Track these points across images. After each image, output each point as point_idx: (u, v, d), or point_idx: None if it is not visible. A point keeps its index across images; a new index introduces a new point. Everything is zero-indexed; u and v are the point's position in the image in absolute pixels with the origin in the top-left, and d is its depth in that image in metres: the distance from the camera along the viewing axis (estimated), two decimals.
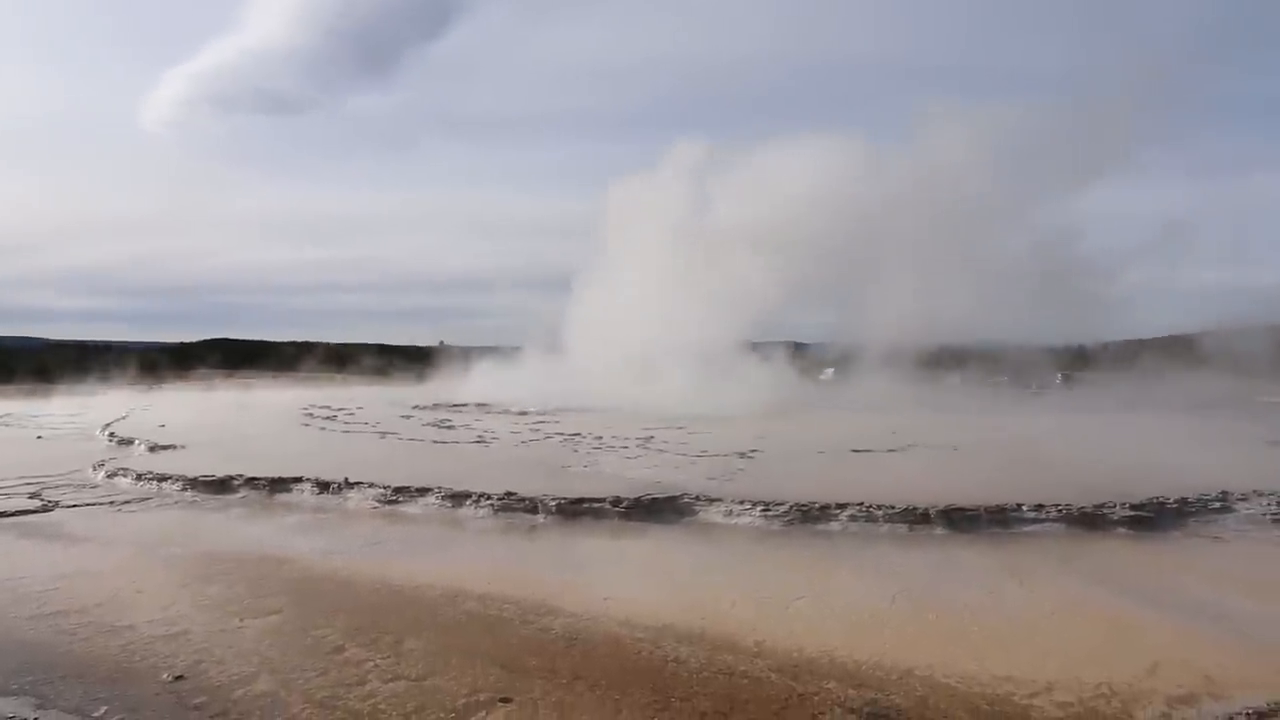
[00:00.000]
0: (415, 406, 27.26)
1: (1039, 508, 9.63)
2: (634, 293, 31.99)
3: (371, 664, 5.69)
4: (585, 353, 31.80)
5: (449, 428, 20.06)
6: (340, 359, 55.89)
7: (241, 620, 6.56)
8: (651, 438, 17.24)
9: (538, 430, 19.14)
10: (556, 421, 21.49)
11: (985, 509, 9.60)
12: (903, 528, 9.40)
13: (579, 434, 17.98)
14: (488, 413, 25.39)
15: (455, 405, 27.93)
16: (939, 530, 9.33)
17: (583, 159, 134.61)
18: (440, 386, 41.28)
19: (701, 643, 6.07)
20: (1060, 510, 9.57)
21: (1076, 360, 42.69)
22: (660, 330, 29.79)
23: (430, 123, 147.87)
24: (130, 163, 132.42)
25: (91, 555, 8.65)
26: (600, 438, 17.18)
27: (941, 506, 9.60)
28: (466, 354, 46.97)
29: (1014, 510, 9.63)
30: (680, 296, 30.75)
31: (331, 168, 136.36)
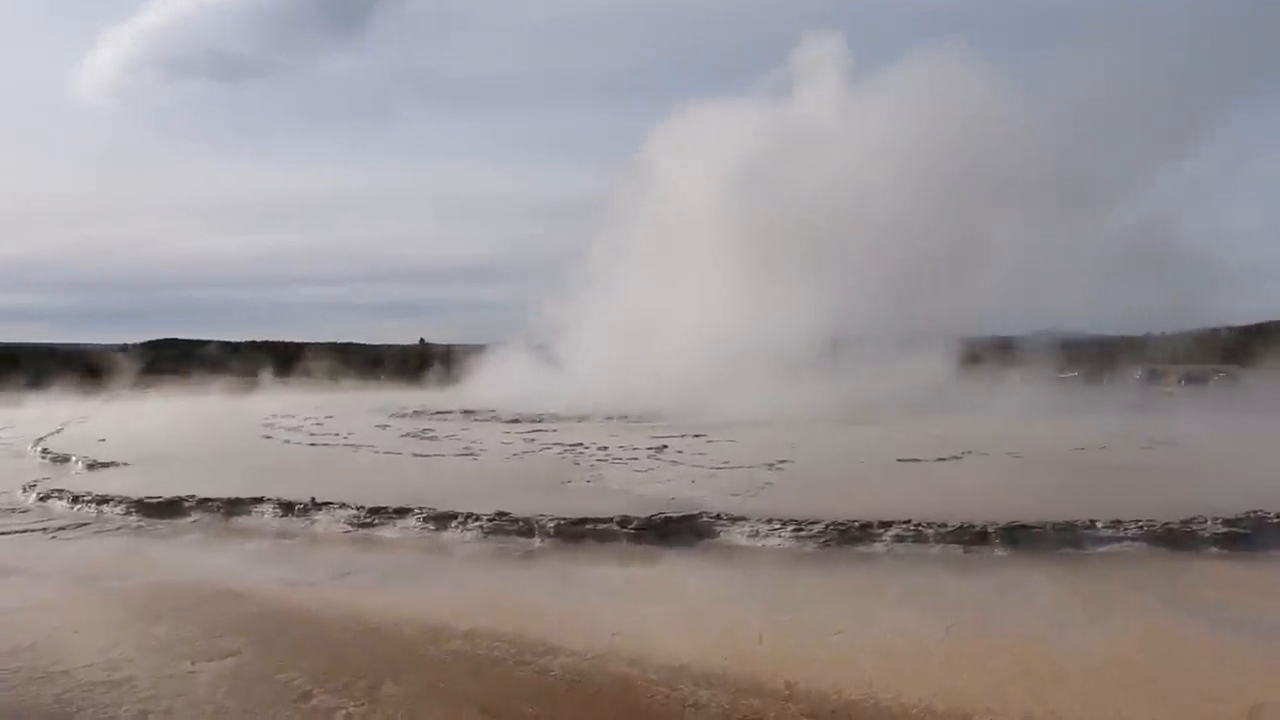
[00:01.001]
0: (392, 414, 27.40)
1: (1115, 524, 9.56)
2: (694, 267, 30.62)
3: (343, 713, 5.68)
4: (618, 350, 30.98)
5: (431, 438, 20.13)
6: (308, 361, 56.11)
7: (193, 664, 6.57)
8: (664, 447, 17.25)
9: (533, 440, 19.17)
10: (554, 430, 21.52)
11: (1053, 526, 9.54)
12: (957, 549, 9.35)
13: (580, 444, 17.99)
14: (475, 420, 25.49)
15: (438, 413, 28.07)
16: (999, 551, 9.28)
17: (585, 127, 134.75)
18: (422, 391, 41.42)
19: (724, 685, 6.04)
20: (1141, 527, 9.50)
21: (1175, 352, 42.13)
22: (734, 323, 28.88)
23: (409, 88, 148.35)
24: (64, 138, 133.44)
25: (22, 590, 8.68)
26: (605, 448, 17.19)
27: (1002, 524, 9.54)
28: (452, 354, 47.16)
29: (1086, 527, 9.56)
30: (761, 278, 29.53)
31: (297, 141, 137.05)
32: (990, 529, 9.48)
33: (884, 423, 22.28)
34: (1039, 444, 16.96)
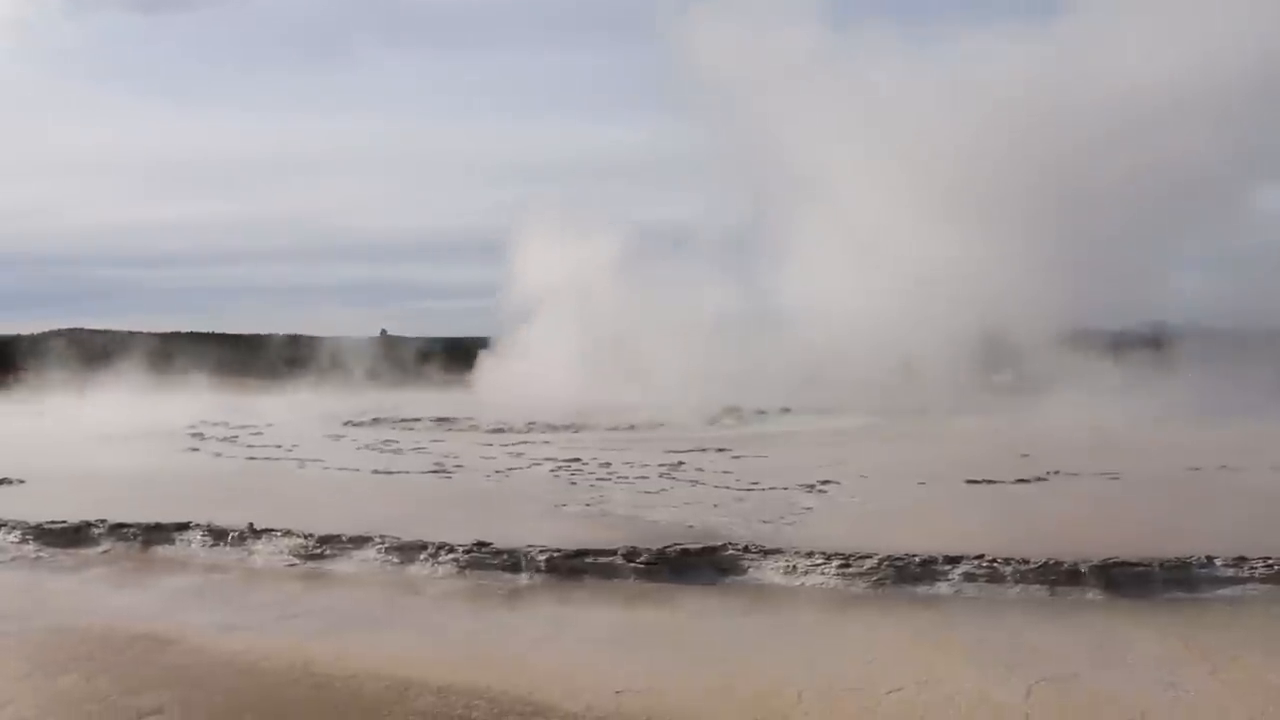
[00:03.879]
0: (347, 423, 27.47)
1: (1238, 561, 9.53)
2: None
3: None
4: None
5: (395, 451, 20.19)
6: (245, 356, 56.29)
7: None
8: (680, 464, 17.26)
9: (519, 454, 19.21)
10: (546, 443, 21.56)
11: (1160, 563, 9.52)
12: (1041, 590, 9.35)
13: (577, 459, 18.03)
14: (449, 430, 25.54)
15: (403, 420, 28.14)
16: (1093, 594, 9.27)
17: (590, 68, 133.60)
18: (384, 393, 41.50)
19: None
20: (1270, 565, 9.46)
21: None
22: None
23: (370, 22, 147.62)
24: None
25: None
26: (608, 464, 17.23)
27: (1096, 560, 9.53)
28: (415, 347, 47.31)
29: (1202, 565, 9.54)
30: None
31: (233, 87, 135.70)
32: (1082, 567, 9.46)
33: (946, 436, 22.25)
34: (1141, 461, 16.89)
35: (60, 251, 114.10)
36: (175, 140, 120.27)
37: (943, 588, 9.52)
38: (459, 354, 42.51)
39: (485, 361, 36.41)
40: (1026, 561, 9.59)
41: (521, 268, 34.92)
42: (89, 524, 12.24)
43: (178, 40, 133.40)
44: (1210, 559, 9.60)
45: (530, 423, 25.99)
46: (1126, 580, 9.38)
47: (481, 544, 10.66)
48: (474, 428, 25.83)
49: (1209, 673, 7.35)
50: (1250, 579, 9.38)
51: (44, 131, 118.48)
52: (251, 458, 19.46)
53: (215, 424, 26.75)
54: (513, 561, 10.38)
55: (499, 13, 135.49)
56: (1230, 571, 9.46)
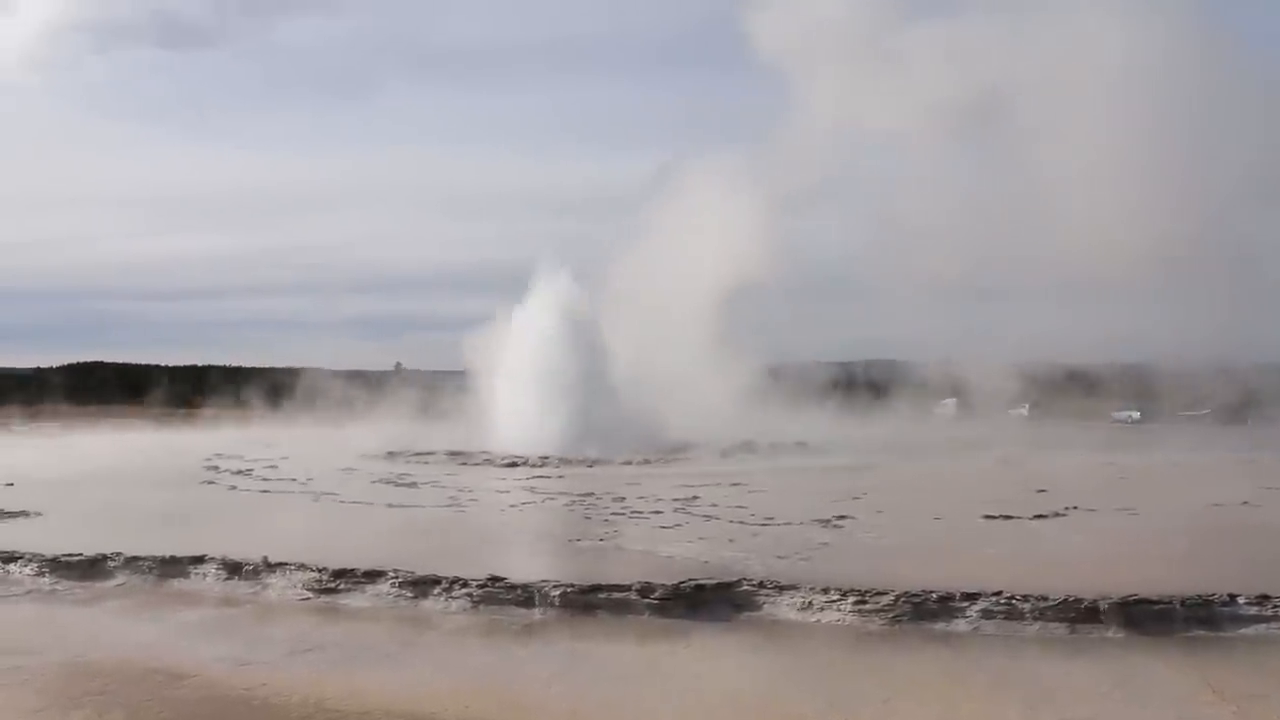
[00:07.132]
0: (362, 455, 27.58)
1: (1262, 600, 9.41)
2: None
3: None
4: None
5: (410, 485, 20.23)
6: (262, 389, 56.62)
7: None
8: (695, 498, 17.23)
9: (533, 489, 19.22)
10: (560, 477, 21.59)
11: (1182, 601, 9.41)
12: (1060, 628, 9.25)
13: (591, 493, 18.04)
14: (464, 464, 25.61)
15: (417, 454, 28.24)
16: (1113, 632, 9.16)
17: (608, 106, 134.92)
18: (399, 426, 41.65)
19: None
20: None
21: None
22: None
23: (392, 58, 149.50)
24: None
25: None
26: (622, 499, 17.22)
27: (1116, 598, 9.42)
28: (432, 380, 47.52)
29: (1225, 603, 9.42)
30: None
31: (255, 122, 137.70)
32: (1102, 604, 9.36)
33: (967, 472, 22.19)
34: (1161, 499, 16.79)
35: (78, 285, 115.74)
36: (197, 174, 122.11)
37: (960, 625, 9.43)
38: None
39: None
40: (1045, 598, 9.50)
41: None
42: (105, 557, 12.26)
43: (202, 76, 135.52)
44: (1233, 597, 9.48)
45: (544, 457, 26.09)
46: (1147, 618, 9.27)
47: (495, 579, 10.63)
48: (488, 461, 25.94)
49: (1233, 713, 7.25)
50: (1274, 618, 9.25)
51: (69, 165, 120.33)
52: (266, 491, 19.52)
53: (231, 457, 26.91)
54: (526, 597, 10.34)
55: (518, 51, 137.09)
56: (1253, 610, 9.34)
